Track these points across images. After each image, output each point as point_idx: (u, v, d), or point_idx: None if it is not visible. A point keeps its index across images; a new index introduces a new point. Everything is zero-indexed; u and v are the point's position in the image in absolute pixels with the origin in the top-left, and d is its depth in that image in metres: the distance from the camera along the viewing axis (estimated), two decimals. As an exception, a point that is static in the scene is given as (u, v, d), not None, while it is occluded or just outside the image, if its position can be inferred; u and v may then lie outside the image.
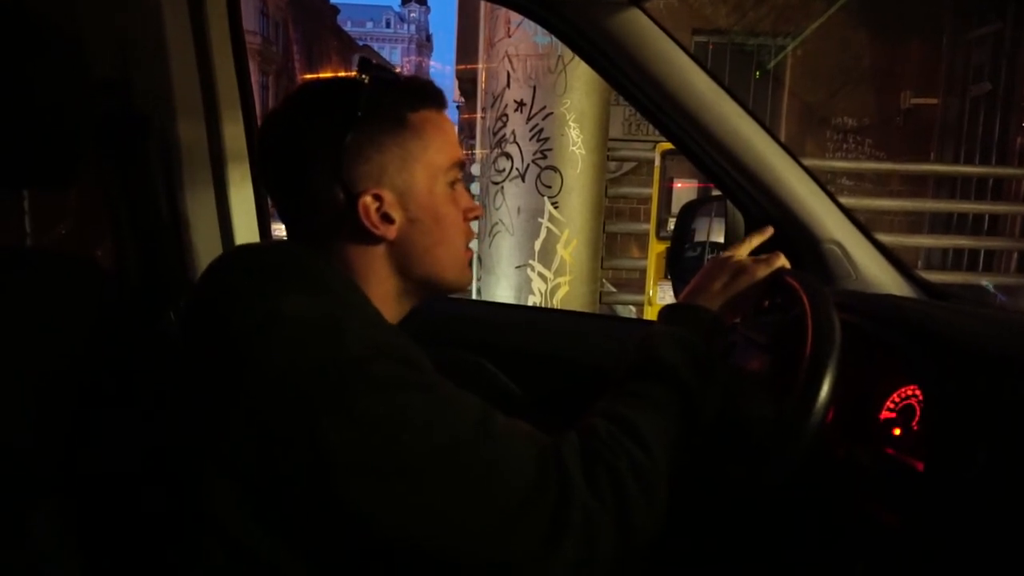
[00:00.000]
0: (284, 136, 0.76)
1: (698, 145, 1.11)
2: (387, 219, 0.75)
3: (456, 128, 0.81)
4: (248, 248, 0.80)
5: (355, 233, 0.74)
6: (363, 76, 0.75)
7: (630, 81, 1.10)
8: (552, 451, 0.67)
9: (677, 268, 1.27)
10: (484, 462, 0.63)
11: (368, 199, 0.73)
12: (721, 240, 1.20)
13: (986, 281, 5.26)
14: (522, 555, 0.63)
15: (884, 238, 1.15)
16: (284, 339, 0.63)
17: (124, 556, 0.67)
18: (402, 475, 0.61)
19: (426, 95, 0.78)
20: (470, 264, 0.84)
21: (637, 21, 1.06)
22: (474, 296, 3.89)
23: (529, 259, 3.41)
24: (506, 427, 0.67)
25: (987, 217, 6.19)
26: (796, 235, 1.10)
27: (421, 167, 0.76)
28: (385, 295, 0.77)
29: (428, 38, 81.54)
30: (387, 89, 0.76)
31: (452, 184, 0.79)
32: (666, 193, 4.24)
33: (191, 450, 0.63)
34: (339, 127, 0.73)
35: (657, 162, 4.16)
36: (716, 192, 1.21)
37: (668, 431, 0.73)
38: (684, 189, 4.27)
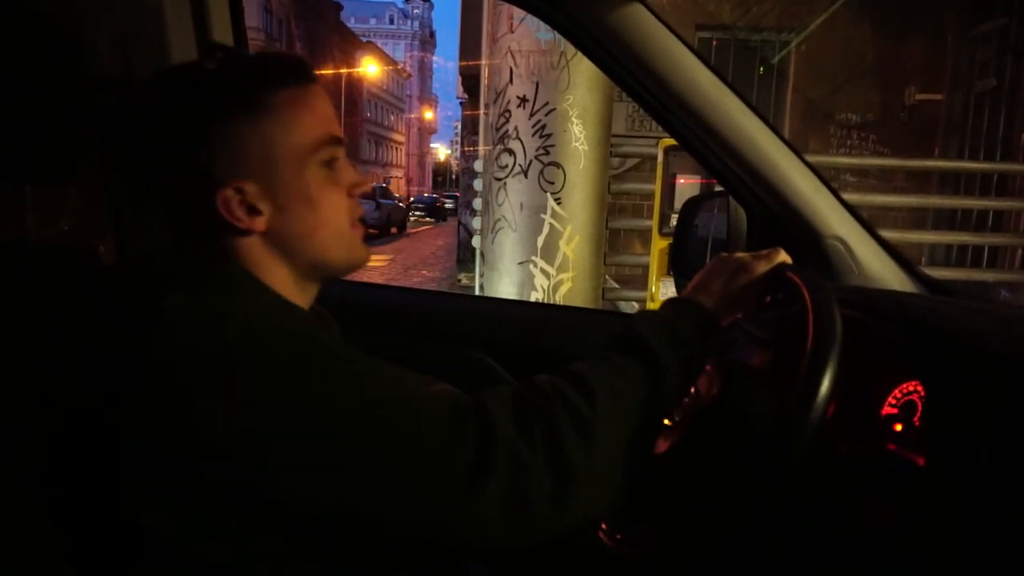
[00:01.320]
0: (135, 135, 0.71)
1: (701, 141, 1.11)
2: (254, 211, 0.71)
3: (331, 104, 0.76)
4: (139, 258, 0.77)
5: (225, 227, 0.71)
6: (207, 62, 0.71)
7: (633, 77, 1.10)
8: (471, 401, 0.66)
9: (679, 264, 1.27)
10: (392, 420, 0.62)
11: (228, 192, 0.69)
12: (724, 236, 1.20)
13: (990, 277, 5.25)
14: (446, 503, 0.62)
15: (888, 234, 1.15)
16: (168, 335, 0.61)
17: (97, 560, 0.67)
18: (307, 447, 0.60)
19: (285, 72, 0.72)
20: (364, 239, 0.80)
21: (640, 17, 1.06)
22: (477, 292, 3.90)
23: (532, 255, 3.41)
24: (415, 385, 0.66)
25: (991, 213, 6.18)
26: (799, 231, 1.09)
27: (284, 151, 0.71)
28: (283, 282, 0.74)
29: (431, 34, 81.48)
30: (237, 72, 0.71)
31: (328, 163, 0.74)
32: (669, 189, 4.25)
33: (101, 454, 0.63)
34: (187, 119, 0.69)
35: (660, 158, 4.16)
36: (719, 188, 1.21)
37: (624, 393, 0.71)
38: (687, 185, 4.27)
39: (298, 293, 0.76)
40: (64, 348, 0.69)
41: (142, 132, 0.71)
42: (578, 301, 3.45)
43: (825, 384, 0.66)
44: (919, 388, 0.70)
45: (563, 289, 3.44)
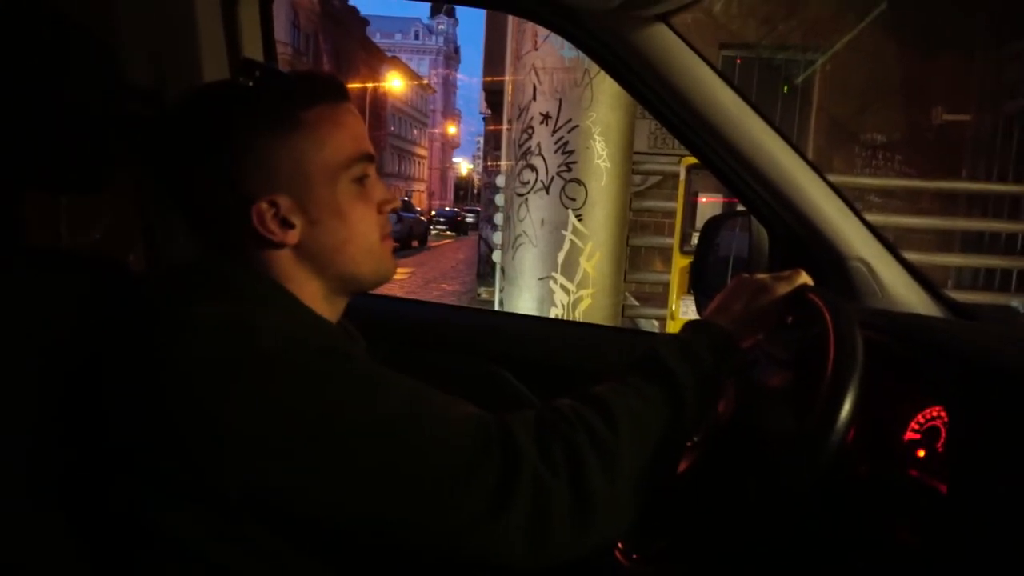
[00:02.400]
0: (170, 149, 0.74)
1: (723, 160, 1.11)
2: (287, 224, 0.72)
3: (363, 122, 0.77)
4: (168, 267, 0.80)
5: (258, 240, 0.72)
6: (246, 79, 0.73)
7: (655, 95, 1.10)
8: (495, 423, 0.66)
9: (700, 283, 1.27)
10: (413, 435, 0.63)
11: (263, 206, 0.71)
12: (745, 256, 1.19)
13: (1017, 302, 5.15)
14: (468, 523, 0.62)
15: (914, 256, 1.14)
16: (192, 340, 0.63)
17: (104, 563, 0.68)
18: (326, 457, 0.61)
19: (319, 90, 0.74)
20: (393, 253, 0.82)
21: (663, 36, 1.06)
22: (496, 307, 3.90)
23: (552, 271, 3.41)
24: (441, 404, 0.67)
25: (1020, 236, 6.08)
26: (821, 252, 1.09)
27: (318, 168, 0.73)
28: (312, 295, 0.76)
29: (456, 50, 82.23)
30: (274, 89, 0.73)
31: (360, 180, 0.76)
32: (690, 207, 4.24)
33: (122, 462, 0.64)
34: (224, 135, 0.71)
35: (682, 176, 4.15)
36: (740, 207, 1.20)
37: (645, 417, 0.71)
38: (708, 204, 4.26)
39: (327, 307, 0.77)
40: (89, 353, 0.70)
41: (178, 145, 0.73)
42: (598, 318, 3.44)
43: (846, 408, 0.65)
44: (942, 414, 0.69)
45: (583, 305, 3.43)
